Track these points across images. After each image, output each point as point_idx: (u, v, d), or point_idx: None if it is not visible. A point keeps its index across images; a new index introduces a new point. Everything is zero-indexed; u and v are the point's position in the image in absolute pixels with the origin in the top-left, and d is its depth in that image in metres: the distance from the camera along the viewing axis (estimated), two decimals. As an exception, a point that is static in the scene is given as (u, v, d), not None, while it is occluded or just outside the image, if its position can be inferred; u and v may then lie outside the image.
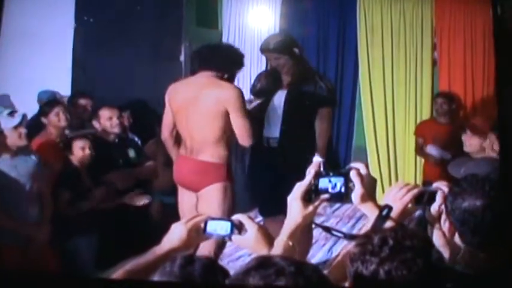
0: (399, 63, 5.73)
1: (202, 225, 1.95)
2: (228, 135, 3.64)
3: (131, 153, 4.58)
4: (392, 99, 5.78)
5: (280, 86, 4.01)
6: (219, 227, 1.91)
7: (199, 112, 3.56)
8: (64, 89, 5.00)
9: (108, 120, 4.44)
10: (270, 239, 1.88)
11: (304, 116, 3.93)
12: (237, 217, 1.94)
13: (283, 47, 3.90)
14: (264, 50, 4.00)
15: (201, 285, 1.66)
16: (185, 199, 3.74)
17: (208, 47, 3.76)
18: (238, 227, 1.91)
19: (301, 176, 1.88)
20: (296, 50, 3.94)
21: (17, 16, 4.32)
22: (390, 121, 5.80)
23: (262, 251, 1.85)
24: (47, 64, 4.91)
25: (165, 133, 3.82)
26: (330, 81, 4.24)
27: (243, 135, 3.53)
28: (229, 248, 4.34)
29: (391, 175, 5.80)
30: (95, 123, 4.52)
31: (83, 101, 4.73)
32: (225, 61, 3.60)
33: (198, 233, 1.94)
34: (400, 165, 5.80)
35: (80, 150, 4.15)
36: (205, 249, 3.42)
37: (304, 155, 3.54)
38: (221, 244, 3.57)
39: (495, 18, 3.13)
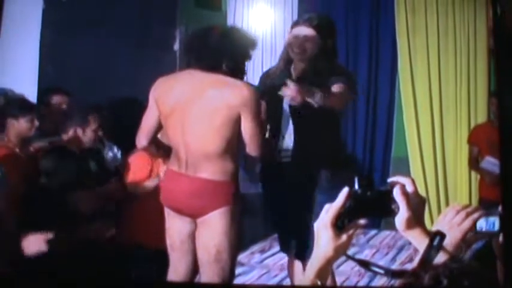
0: (447, 53, 5.47)
1: None
2: (235, 146, 3.31)
3: (105, 165, 4.21)
4: (440, 99, 5.53)
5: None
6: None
7: (201, 118, 3.23)
8: (30, 83, 4.61)
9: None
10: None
11: (314, 124, 3.57)
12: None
13: (320, 27, 3.52)
14: (297, 22, 3.63)
15: (201, 286, 1.75)
16: (177, 225, 3.41)
17: (201, 38, 3.36)
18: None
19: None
20: (330, 42, 3.57)
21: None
22: (438, 126, 5.55)
23: None
24: (7, 53, 4.45)
25: (143, 140, 3.48)
26: (352, 77, 3.84)
27: (254, 144, 3.29)
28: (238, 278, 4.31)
29: (439, 193, 5.55)
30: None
31: (57, 98, 4.40)
32: (228, 57, 3.27)
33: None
34: (450, 181, 5.55)
35: None
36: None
37: (321, 172, 3.47)
38: (233, 270, 3.35)
39: (495, 18, 3.24)
